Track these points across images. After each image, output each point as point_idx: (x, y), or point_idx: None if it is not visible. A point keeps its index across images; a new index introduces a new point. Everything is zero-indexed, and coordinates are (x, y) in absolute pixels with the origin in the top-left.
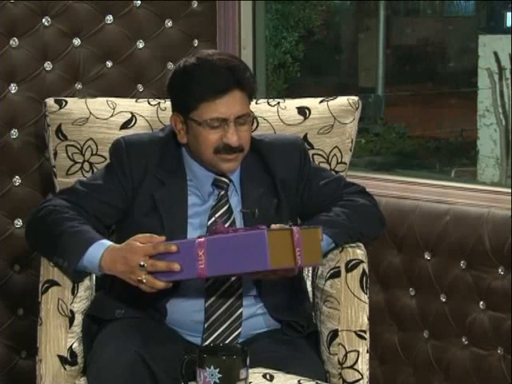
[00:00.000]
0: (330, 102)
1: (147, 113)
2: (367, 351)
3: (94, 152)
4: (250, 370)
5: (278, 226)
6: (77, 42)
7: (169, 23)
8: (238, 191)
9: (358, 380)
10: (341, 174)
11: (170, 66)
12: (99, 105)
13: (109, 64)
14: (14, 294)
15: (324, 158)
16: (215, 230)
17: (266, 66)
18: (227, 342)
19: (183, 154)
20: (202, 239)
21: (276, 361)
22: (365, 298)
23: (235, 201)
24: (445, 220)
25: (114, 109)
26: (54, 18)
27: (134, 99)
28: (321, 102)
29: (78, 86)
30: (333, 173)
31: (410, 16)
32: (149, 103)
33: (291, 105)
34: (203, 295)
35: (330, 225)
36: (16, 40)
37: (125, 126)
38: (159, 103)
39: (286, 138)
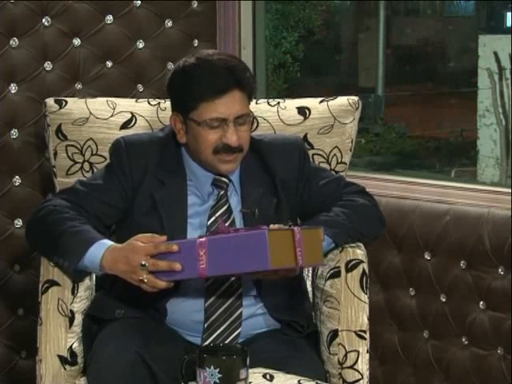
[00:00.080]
0: (330, 102)
1: (147, 113)
2: (367, 351)
3: (94, 152)
4: (250, 370)
5: (277, 226)
6: (77, 42)
7: (169, 23)
8: (238, 191)
9: (358, 380)
10: (341, 173)
11: (170, 65)
12: (99, 105)
13: (109, 64)
14: (14, 293)
15: (324, 158)
16: (216, 229)
17: (266, 65)
18: (227, 341)
19: (183, 154)
20: (203, 239)
21: (276, 361)
22: (365, 297)
23: (235, 201)
24: (445, 220)
25: (114, 109)
26: (54, 18)
27: (134, 99)
28: (321, 101)
29: (78, 86)
30: (333, 173)
31: (409, 16)
32: (149, 103)
33: (291, 105)
34: (203, 295)
35: (329, 225)
36: (16, 40)
37: (125, 125)
38: (159, 103)
39: (286, 137)
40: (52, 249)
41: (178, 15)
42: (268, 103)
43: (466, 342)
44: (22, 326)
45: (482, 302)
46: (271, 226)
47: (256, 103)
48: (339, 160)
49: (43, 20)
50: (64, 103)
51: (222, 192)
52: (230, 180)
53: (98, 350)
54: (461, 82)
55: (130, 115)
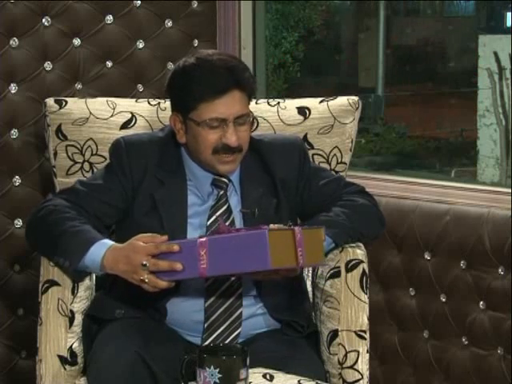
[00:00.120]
0: (330, 102)
1: (147, 113)
2: (367, 351)
3: (94, 152)
4: (250, 370)
5: (276, 226)
6: (77, 42)
7: (169, 23)
8: (238, 191)
9: (358, 380)
10: (341, 174)
11: (170, 65)
12: (99, 105)
13: (109, 64)
14: (14, 293)
15: (324, 158)
16: (217, 229)
17: (266, 65)
18: (227, 341)
19: (182, 154)
20: (204, 239)
21: (276, 361)
22: (365, 298)
23: (235, 201)
24: (445, 220)
25: (114, 109)
26: (54, 18)
27: (134, 99)
28: (321, 101)
29: (78, 86)
30: (332, 173)
31: (410, 16)
32: (149, 103)
33: (291, 105)
34: (203, 295)
35: (329, 225)
36: (16, 40)
37: (125, 125)
38: (159, 103)
39: (286, 137)
40: (52, 248)
41: (178, 15)
42: (268, 103)
43: (466, 342)
44: (22, 326)
45: (481, 302)
46: (271, 226)
47: (256, 103)
48: (339, 160)
49: (43, 20)
50: (64, 103)
51: (221, 192)
52: (229, 180)
53: (97, 350)
54: (461, 82)
55: (130, 115)
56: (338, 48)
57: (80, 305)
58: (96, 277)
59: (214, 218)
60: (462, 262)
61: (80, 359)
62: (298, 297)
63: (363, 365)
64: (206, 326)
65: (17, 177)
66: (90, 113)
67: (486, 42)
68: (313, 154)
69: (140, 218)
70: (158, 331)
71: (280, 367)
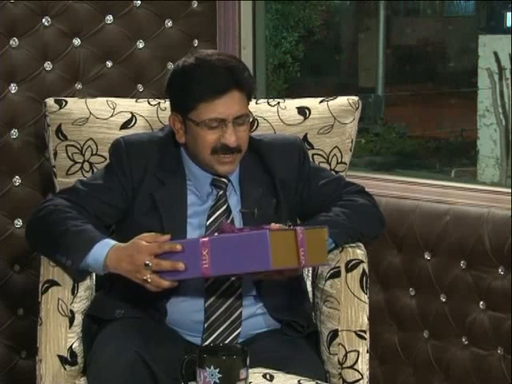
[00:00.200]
0: (330, 102)
1: (147, 113)
2: (367, 351)
3: (94, 152)
4: (250, 370)
5: (277, 225)
6: (77, 42)
7: (169, 23)
8: (237, 191)
9: (358, 380)
10: (341, 173)
11: (170, 66)
12: (99, 105)
13: (109, 64)
14: (14, 293)
15: (324, 158)
16: (220, 228)
17: (266, 65)
18: (227, 341)
19: (182, 154)
20: (206, 239)
21: (276, 361)
22: (365, 297)
23: (234, 201)
24: (445, 220)
25: (114, 109)
26: (54, 18)
27: (134, 99)
28: (321, 101)
29: (78, 86)
30: (332, 173)
31: (410, 16)
32: (149, 103)
33: (291, 105)
34: (203, 295)
35: (329, 225)
36: (16, 40)
37: (125, 126)
38: (159, 103)
39: (286, 137)
40: (54, 248)
41: (178, 15)
42: (268, 103)
43: (466, 342)
44: (22, 326)
45: (481, 302)
46: (273, 226)
47: (256, 103)
48: (339, 160)
49: (43, 20)
50: (64, 103)
51: (220, 192)
52: (229, 180)
53: (97, 350)
54: (461, 82)
55: (129, 115)
56: (337, 48)
57: (80, 305)
58: (96, 277)
59: (213, 218)
60: (462, 262)
61: (80, 359)
62: (297, 297)
63: (363, 365)
64: (206, 325)
65: (17, 177)
66: (90, 113)
67: (485, 42)
68: (313, 154)
69: (140, 218)
70: (157, 331)
71: (280, 367)
